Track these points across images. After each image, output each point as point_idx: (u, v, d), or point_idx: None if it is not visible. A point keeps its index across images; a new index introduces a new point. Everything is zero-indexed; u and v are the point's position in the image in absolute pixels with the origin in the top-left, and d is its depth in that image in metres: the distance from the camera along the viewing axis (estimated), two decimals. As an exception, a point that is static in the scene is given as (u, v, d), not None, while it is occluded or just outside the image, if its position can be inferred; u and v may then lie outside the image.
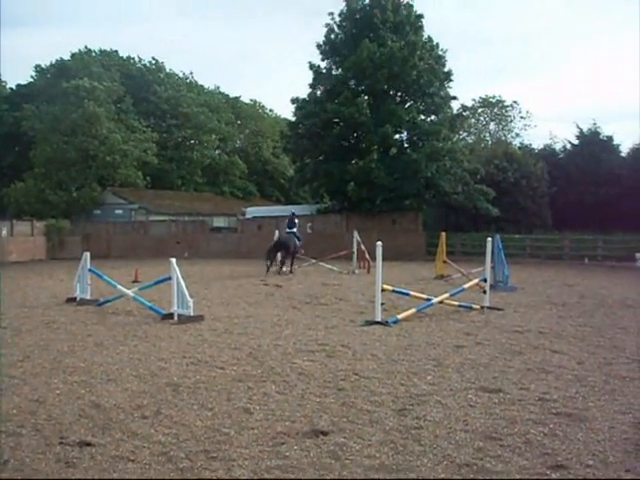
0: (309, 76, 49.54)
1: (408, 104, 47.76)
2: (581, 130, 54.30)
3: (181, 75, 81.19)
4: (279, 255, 32.33)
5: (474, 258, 36.67)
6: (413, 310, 17.44)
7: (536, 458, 7.38)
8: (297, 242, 32.91)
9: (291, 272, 32.47)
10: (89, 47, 74.00)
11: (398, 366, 11.75)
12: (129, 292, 19.33)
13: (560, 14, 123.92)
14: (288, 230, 33.36)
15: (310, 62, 49.13)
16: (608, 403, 9.56)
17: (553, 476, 6.89)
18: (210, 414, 8.89)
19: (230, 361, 12.14)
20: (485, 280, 19.72)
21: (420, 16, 48.53)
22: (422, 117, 48.03)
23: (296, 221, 34.17)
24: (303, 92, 50.55)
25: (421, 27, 48.53)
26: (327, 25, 48.74)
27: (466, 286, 19.91)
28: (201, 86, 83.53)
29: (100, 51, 75.56)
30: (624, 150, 54.67)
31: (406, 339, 14.44)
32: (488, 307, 18.97)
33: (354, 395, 9.78)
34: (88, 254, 20.80)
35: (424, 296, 18.78)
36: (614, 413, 9.06)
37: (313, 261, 34.81)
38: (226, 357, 12.51)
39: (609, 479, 6.57)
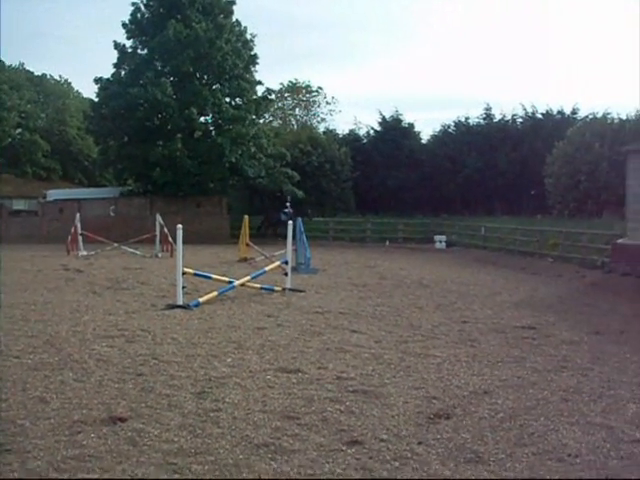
0: (114, 55, 48.35)
1: (214, 87, 47.47)
2: (384, 117, 55.66)
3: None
4: None
5: (279, 241, 37.01)
6: (215, 293, 17.48)
7: (332, 435, 7.56)
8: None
9: None
10: None
11: (198, 349, 11.74)
12: None
13: (365, 2, 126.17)
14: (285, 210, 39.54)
15: (115, 41, 47.85)
16: (403, 379, 9.93)
17: (349, 451, 7.07)
18: (4, 405, 8.53)
19: (26, 349, 11.70)
20: (286, 262, 19.97)
21: (232, 2, 48.47)
22: (227, 100, 47.82)
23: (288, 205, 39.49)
24: (108, 72, 49.00)
25: (231, 10, 48.37)
26: (134, 4, 47.61)
27: (267, 268, 20.13)
28: (1, 62, 79.78)
29: None
30: (424, 137, 56.59)
31: (207, 322, 14.46)
32: (289, 289, 19.24)
33: (153, 380, 9.69)
34: None
35: (226, 279, 18.88)
36: (408, 389, 9.43)
37: (115, 245, 34.15)
38: (22, 345, 12.04)
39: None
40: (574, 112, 50.13)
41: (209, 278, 18.63)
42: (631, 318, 16.26)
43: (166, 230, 32.49)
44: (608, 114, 43.76)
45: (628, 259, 23.47)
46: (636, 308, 17.90)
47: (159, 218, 33.51)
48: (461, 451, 7.16)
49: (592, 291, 21.64)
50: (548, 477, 6.56)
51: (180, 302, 16.28)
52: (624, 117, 42.80)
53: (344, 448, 7.17)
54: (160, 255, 32.11)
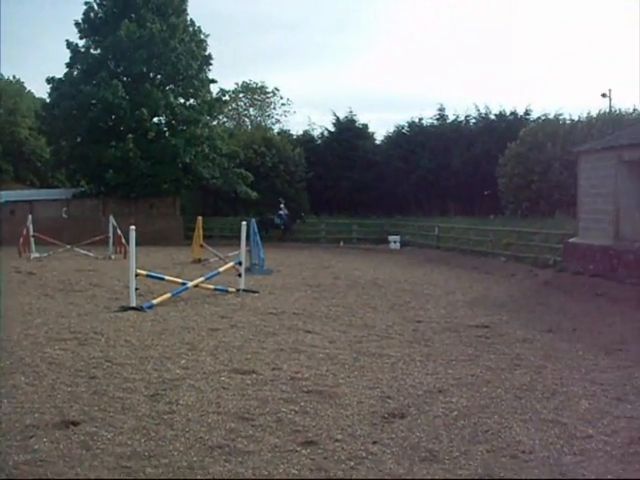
0: (67, 55, 47.72)
1: (167, 87, 47.19)
2: (338, 118, 55.58)
3: None
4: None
5: (233, 242, 36.71)
6: (168, 295, 17.37)
7: (287, 436, 7.56)
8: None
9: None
10: None
11: (152, 351, 11.66)
12: None
13: (319, 3, 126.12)
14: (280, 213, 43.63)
15: (68, 40, 47.26)
16: (357, 379, 9.97)
17: (303, 452, 7.07)
18: (-46, 410, 8.41)
19: (-24, 354, 11.55)
20: (240, 263, 19.93)
21: (185, 1, 48.25)
22: (182, 101, 47.59)
23: (282, 206, 44.21)
24: (61, 72, 48.29)
25: (184, 10, 48.16)
26: (87, 3, 47.07)
27: (221, 269, 20.03)
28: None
29: None
30: (378, 138, 56.62)
31: (161, 324, 14.37)
32: (244, 290, 19.22)
33: (106, 383, 9.60)
34: None
35: (179, 280, 18.77)
36: (363, 388, 9.46)
37: (68, 247, 33.76)
38: (-28, 349, 11.89)
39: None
40: (527, 113, 50.37)
41: (162, 279, 18.51)
42: (583, 316, 16.46)
43: (119, 232, 32.23)
44: (560, 115, 44.28)
45: (580, 258, 23.73)
46: (587, 306, 18.13)
47: (112, 219, 33.25)
48: (416, 450, 7.20)
49: (545, 290, 21.85)
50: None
51: (133, 304, 16.16)
52: (576, 118, 43.39)
53: (299, 449, 7.17)
54: (113, 257, 31.85)
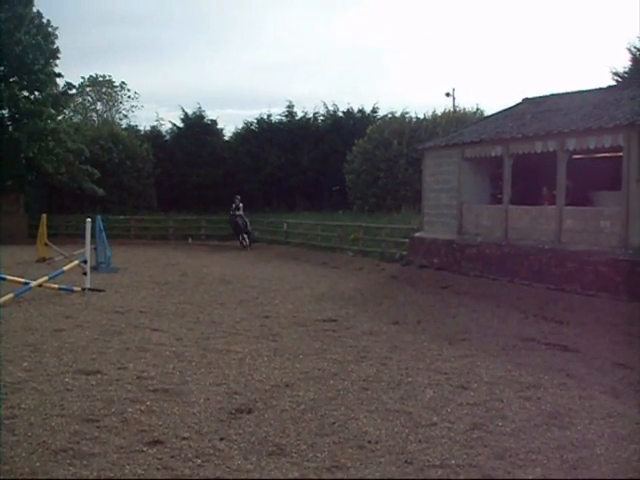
0: None
1: (11, 80, 45.65)
2: (186, 113, 55.07)
3: None
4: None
5: (79, 240, 35.84)
6: (10, 295, 16.71)
7: (133, 436, 7.46)
8: (246, 221, 39.19)
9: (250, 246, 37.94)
10: None
11: (-8, 354, 11.23)
12: None
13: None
14: (237, 213, 39.27)
15: None
16: (204, 376, 9.94)
17: (150, 452, 6.99)
18: None
19: None
20: (85, 262, 19.49)
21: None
22: (25, 94, 46.15)
23: (240, 205, 39.63)
24: None
25: (31, 1, 46.68)
26: None
27: (65, 268, 19.57)
28: None
29: None
30: (227, 134, 56.39)
31: (2, 326, 13.81)
32: (89, 289, 18.78)
33: (-58, 389, 9.19)
34: None
35: (22, 280, 18.12)
36: (210, 385, 9.45)
37: None
38: None
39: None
40: (374, 111, 51.30)
41: (3, 280, 17.84)
42: (428, 308, 16.90)
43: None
44: (406, 113, 45.32)
45: (425, 252, 24.34)
46: (432, 298, 18.63)
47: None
48: (263, 444, 7.24)
49: (391, 283, 22.32)
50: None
51: (-28, 306, 15.53)
52: (421, 116, 44.49)
53: (145, 449, 7.09)
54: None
